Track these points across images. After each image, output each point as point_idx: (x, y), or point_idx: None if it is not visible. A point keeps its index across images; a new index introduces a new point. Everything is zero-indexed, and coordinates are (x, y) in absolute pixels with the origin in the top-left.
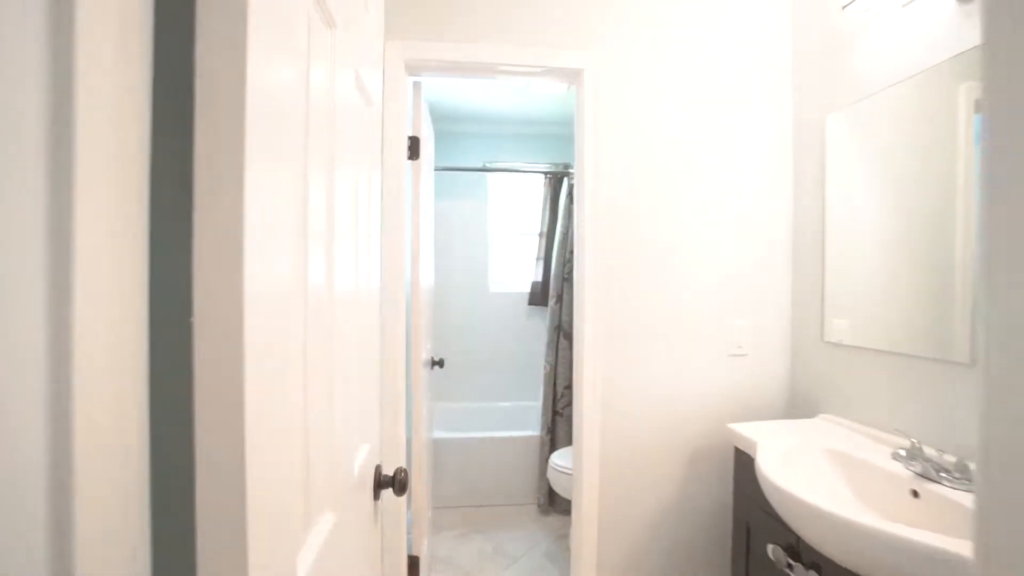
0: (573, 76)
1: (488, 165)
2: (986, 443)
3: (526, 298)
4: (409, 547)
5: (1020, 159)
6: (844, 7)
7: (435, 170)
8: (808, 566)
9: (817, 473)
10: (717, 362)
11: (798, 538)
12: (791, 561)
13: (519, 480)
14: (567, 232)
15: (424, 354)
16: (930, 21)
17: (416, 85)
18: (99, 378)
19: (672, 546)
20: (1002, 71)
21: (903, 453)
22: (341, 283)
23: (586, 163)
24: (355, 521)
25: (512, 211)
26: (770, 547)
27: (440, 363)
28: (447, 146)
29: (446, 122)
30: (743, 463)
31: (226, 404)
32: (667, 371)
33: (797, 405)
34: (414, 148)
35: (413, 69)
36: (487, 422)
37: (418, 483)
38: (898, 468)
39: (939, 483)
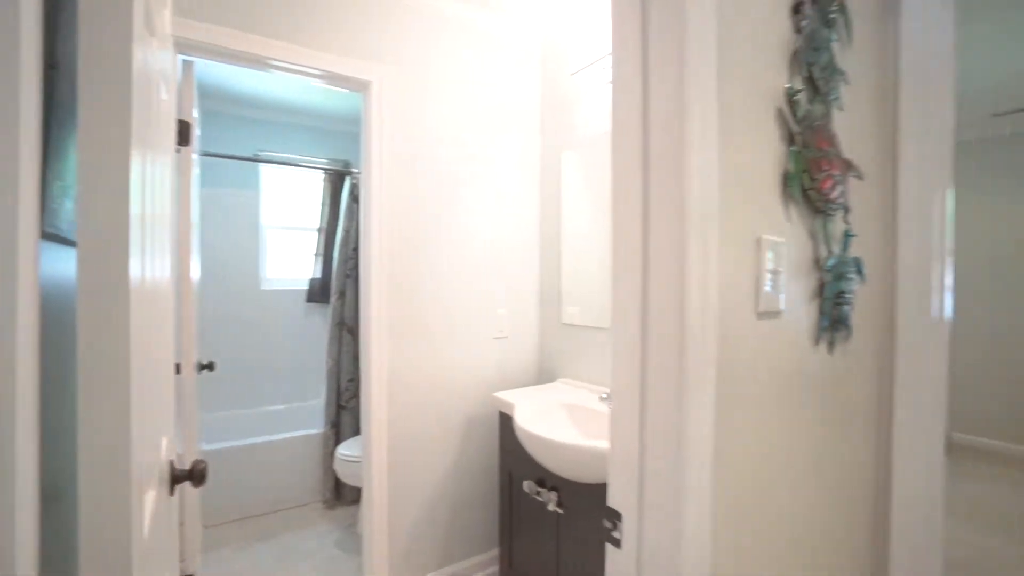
0: (360, 86)
1: (261, 154)
2: (612, 376)
3: (303, 295)
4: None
5: (624, 206)
6: (572, 75)
7: (201, 155)
8: (550, 489)
9: (556, 420)
10: (485, 344)
11: (545, 471)
12: (539, 489)
13: (302, 480)
14: (349, 230)
15: (194, 356)
16: None
17: (187, 65)
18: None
19: (454, 504)
20: (619, 142)
21: (605, 396)
22: (157, 273)
23: (373, 168)
24: (162, 512)
25: (287, 204)
26: (526, 483)
27: (210, 366)
28: (214, 128)
29: (214, 101)
30: (506, 423)
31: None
32: (445, 354)
33: (544, 373)
34: (184, 133)
35: (184, 49)
36: (263, 427)
37: (189, 497)
38: (603, 407)
39: None
